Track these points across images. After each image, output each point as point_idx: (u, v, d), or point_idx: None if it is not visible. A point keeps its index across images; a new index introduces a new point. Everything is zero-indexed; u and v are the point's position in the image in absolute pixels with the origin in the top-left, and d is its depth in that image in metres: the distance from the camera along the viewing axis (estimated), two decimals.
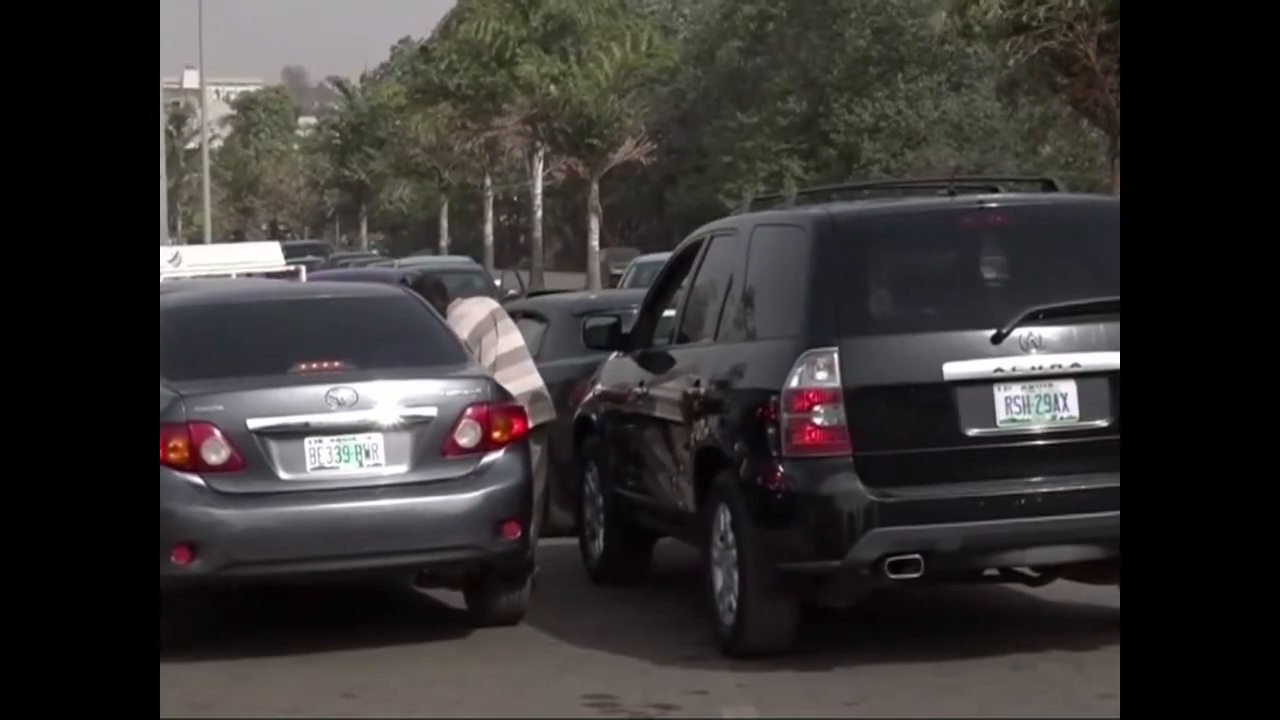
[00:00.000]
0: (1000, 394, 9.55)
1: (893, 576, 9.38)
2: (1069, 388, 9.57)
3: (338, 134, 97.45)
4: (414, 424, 10.64)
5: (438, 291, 12.97)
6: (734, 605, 10.03)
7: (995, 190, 11.22)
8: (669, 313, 12.30)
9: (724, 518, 10.13)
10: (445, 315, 12.46)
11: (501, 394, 11.02)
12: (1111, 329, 9.27)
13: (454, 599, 11.58)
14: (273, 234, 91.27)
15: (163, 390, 10.64)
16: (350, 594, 11.88)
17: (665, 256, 18.14)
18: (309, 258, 45.99)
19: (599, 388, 12.71)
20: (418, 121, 70.67)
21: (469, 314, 12.67)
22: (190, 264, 23.90)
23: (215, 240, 64.49)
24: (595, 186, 54.54)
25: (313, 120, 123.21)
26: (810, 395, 9.58)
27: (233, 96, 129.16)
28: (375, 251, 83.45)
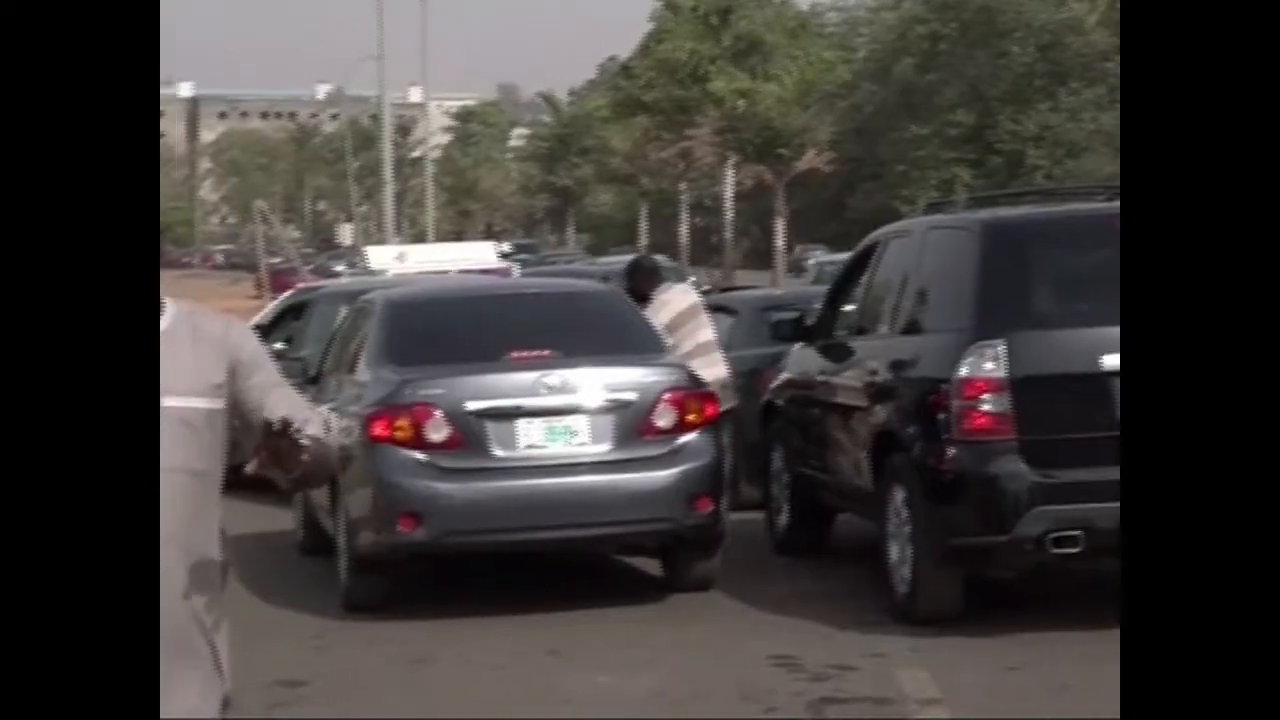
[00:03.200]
0: None
1: (1054, 551, 9.30)
2: None
3: (546, 144, 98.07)
4: (616, 407, 10.67)
5: (651, 273, 13.05)
6: (907, 576, 9.98)
7: None
8: (849, 307, 12.26)
9: (898, 495, 10.08)
10: (651, 297, 12.51)
11: (696, 381, 11.04)
12: None
13: (650, 567, 11.60)
14: (488, 235, 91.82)
15: (390, 375, 10.77)
16: (556, 561, 11.93)
17: (845, 256, 18.06)
18: (523, 255, 46.27)
19: (784, 375, 12.69)
20: (618, 132, 70.92)
21: (671, 302, 12.72)
22: (414, 261, 24.12)
23: (436, 240, 65.03)
24: (781, 192, 54.39)
25: (524, 131, 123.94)
26: (979, 384, 9.51)
27: (453, 110, 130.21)
28: (576, 250, 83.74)
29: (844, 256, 18.48)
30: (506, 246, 54.39)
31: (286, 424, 4.02)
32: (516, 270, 26.11)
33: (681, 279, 30.67)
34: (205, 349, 4.26)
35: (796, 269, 55.90)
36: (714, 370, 12.25)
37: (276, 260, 56.21)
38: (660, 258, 46.81)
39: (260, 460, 4.07)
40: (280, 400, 4.29)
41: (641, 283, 12.80)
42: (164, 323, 4.24)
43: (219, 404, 4.25)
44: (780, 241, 54.72)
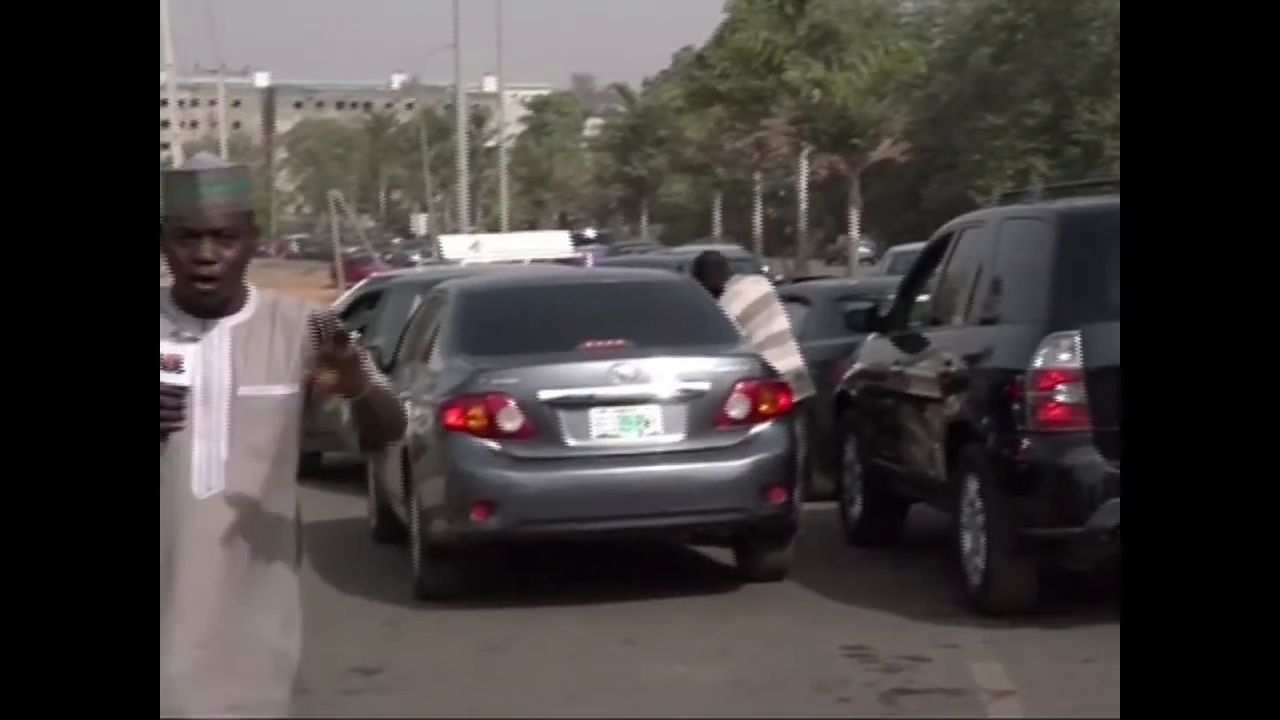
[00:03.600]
0: None
1: None
2: None
3: (621, 134, 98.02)
4: (689, 397, 10.67)
5: (719, 267, 13.06)
6: (981, 567, 9.94)
7: None
8: (923, 298, 12.22)
9: (972, 486, 10.04)
10: (722, 290, 12.51)
11: (769, 371, 11.03)
12: None
13: (723, 556, 11.59)
14: (562, 224, 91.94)
15: (463, 364, 10.80)
16: (629, 551, 11.94)
17: (919, 247, 17.99)
18: (595, 245, 46.31)
19: (858, 366, 12.66)
20: (692, 122, 70.82)
21: (743, 293, 12.71)
22: (488, 250, 24.17)
23: (510, 230, 65.17)
24: (855, 182, 54.25)
25: (598, 121, 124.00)
26: (1054, 375, 9.46)
27: (527, 100, 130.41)
28: (650, 241, 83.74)
29: (915, 248, 18.41)
30: (591, 233, 54.45)
31: (332, 322, 4.05)
32: (590, 260, 26.12)
33: (756, 270, 30.70)
34: (283, 333, 4.31)
35: (834, 258, 55.99)
36: (788, 360, 12.24)
37: (352, 250, 56.49)
38: (735, 248, 46.87)
39: (319, 375, 4.08)
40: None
41: (711, 276, 12.80)
42: (247, 312, 4.30)
43: (294, 388, 4.29)
44: (854, 232, 54.54)
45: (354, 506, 13.54)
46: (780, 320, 12.75)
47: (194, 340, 4.22)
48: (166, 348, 4.18)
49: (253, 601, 4.27)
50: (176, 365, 4.17)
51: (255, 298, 4.34)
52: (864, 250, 53.20)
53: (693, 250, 38.75)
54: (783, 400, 10.87)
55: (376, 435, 4.39)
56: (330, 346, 4.06)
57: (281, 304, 4.37)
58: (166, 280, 4.41)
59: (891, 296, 12.75)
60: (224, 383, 4.24)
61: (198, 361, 4.21)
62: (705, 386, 10.69)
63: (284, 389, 4.28)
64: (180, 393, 4.14)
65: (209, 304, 4.26)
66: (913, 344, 11.66)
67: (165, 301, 4.31)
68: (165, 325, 4.25)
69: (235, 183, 4.29)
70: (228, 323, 4.29)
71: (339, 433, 4.33)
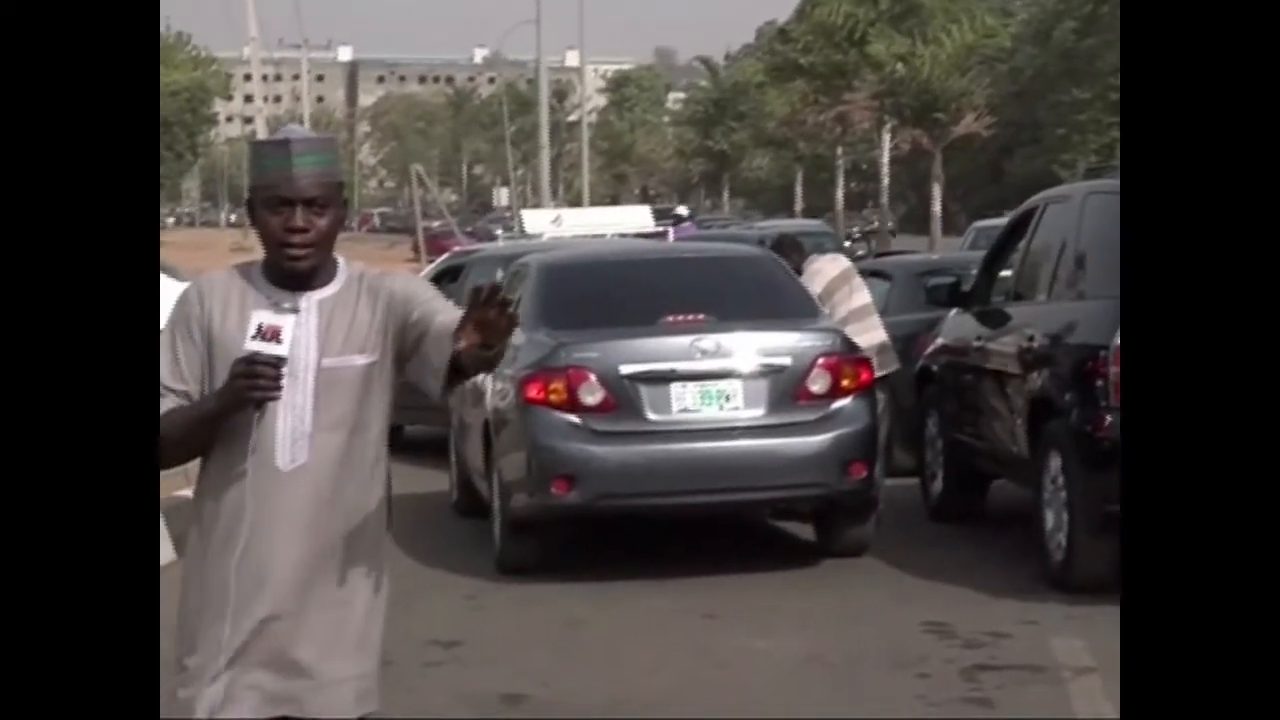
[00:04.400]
0: None
1: None
2: None
3: (703, 108, 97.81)
4: (770, 372, 10.65)
5: (795, 248, 13.02)
6: (1063, 543, 9.89)
7: None
8: (1005, 273, 12.16)
9: (1054, 462, 9.99)
10: (801, 271, 12.48)
11: (850, 346, 11.00)
12: None
13: (804, 532, 11.58)
14: (643, 199, 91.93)
15: (544, 338, 10.81)
16: (709, 525, 11.94)
17: (1002, 221, 17.91)
18: (687, 222, 46.25)
19: (940, 341, 12.62)
20: (775, 97, 70.65)
21: (822, 271, 12.68)
22: (570, 225, 24.19)
23: (592, 204, 65.21)
24: (938, 156, 54.00)
25: (681, 95, 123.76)
26: None
27: (609, 74, 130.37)
28: (732, 215, 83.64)
29: (998, 222, 18.32)
30: (683, 209, 54.25)
31: (496, 288, 4.04)
32: (671, 234, 26.10)
33: (837, 245, 30.68)
34: (368, 303, 4.33)
35: (865, 237, 55.99)
36: (870, 335, 12.20)
37: (438, 224, 56.64)
38: (817, 222, 46.71)
39: (466, 335, 4.06)
40: (454, 313, 4.32)
41: (790, 256, 12.76)
42: (335, 285, 4.33)
43: (375, 357, 4.31)
44: (937, 207, 54.30)
45: (436, 480, 13.59)
46: (862, 295, 12.71)
47: (294, 311, 4.24)
48: (266, 318, 4.18)
49: (335, 574, 4.29)
50: (275, 336, 4.17)
51: (344, 270, 4.37)
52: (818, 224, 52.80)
53: (776, 224, 38.75)
54: (864, 375, 10.84)
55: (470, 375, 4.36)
56: (492, 312, 4.02)
57: (367, 275, 4.39)
58: (257, 254, 4.44)
59: (974, 271, 12.70)
60: (310, 356, 4.26)
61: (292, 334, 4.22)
62: (786, 361, 10.67)
63: (364, 358, 4.30)
64: (278, 363, 4.16)
65: (298, 273, 4.28)
66: (995, 319, 11.61)
67: (255, 276, 4.34)
68: (259, 298, 4.28)
69: (326, 153, 4.31)
70: (315, 296, 4.31)
71: (425, 383, 4.32)
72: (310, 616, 4.25)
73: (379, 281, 4.37)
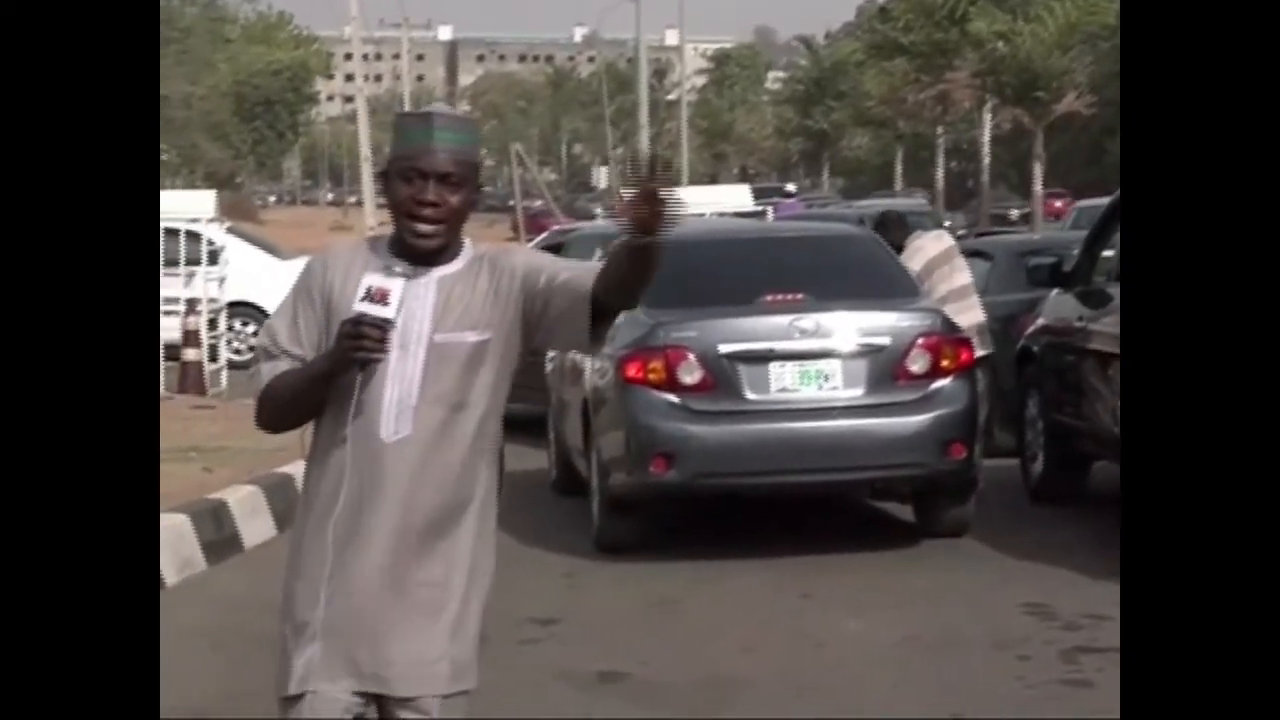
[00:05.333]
0: None
1: None
2: None
3: (802, 87, 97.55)
4: (869, 351, 10.62)
5: (898, 224, 12.98)
6: None
7: None
8: (1108, 253, 12.07)
9: None
10: (903, 247, 12.43)
11: (950, 326, 10.95)
12: None
13: (903, 512, 11.54)
14: (742, 178, 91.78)
15: (643, 317, 10.80)
16: (807, 505, 11.92)
17: (1104, 201, 17.77)
18: (792, 200, 46.15)
19: (1041, 321, 12.53)
20: (875, 75, 70.33)
21: (924, 249, 12.63)
22: None
23: (691, 183, 65.16)
24: (1039, 136, 53.60)
25: (780, 74, 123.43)
26: None
27: (709, 53, 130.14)
28: (831, 194, 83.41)
29: (1101, 202, 18.17)
30: (791, 186, 54.04)
31: (668, 163, 4.08)
32: (771, 214, 25.98)
33: (938, 223, 30.48)
34: (488, 281, 4.34)
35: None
36: (970, 315, 12.14)
37: (539, 204, 56.73)
38: (918, 200, 46.51)
39: (625, 212, 4.09)
40: (571, 267, 4.36)
41: (892, 233, 12.72)
42: (458, 264, 4.34)
43: (488, 336, 4.31)
44: (1038, 186, 53.89)
45: (535, 458, 13.64)
46: (963, 275, 12.65)
47: (404, 276, 4.25)
48: (375, 280, 4.20)
49: (432, 550, 4.30)
50: (383, 298, 4.18)
51: (468, 250, 4.38)
52: (921, 202, 51.88)
53: (875, 203, 38.60)
54: (964, 355, 10.79)
55: (634, 290, 4.34)
56: (656, 181, 4.01)
57: (490, 254, 4.40)
58: (385, 229, 4.45)
59: (1075, 251, 12.61)
60: (424, 330, 4.27)
61: (403, 300, 4.23)
62: (886, 341, 10.63)
63: (476, 335, 4.30)
64: (384, 324, 4.18)
65: (424, 249, 4.28)
66: (1097, 299, 11.52)
67: (380, 248, 4.35)
68: (375, 263, 4.29)
69: (467, 132, 4.35)
70: (437, 272, 4.32)
71: (569, 336, 4.32)
72: (405, 592, 4.26)
73: (501, 259, 4.38)
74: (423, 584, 4.28)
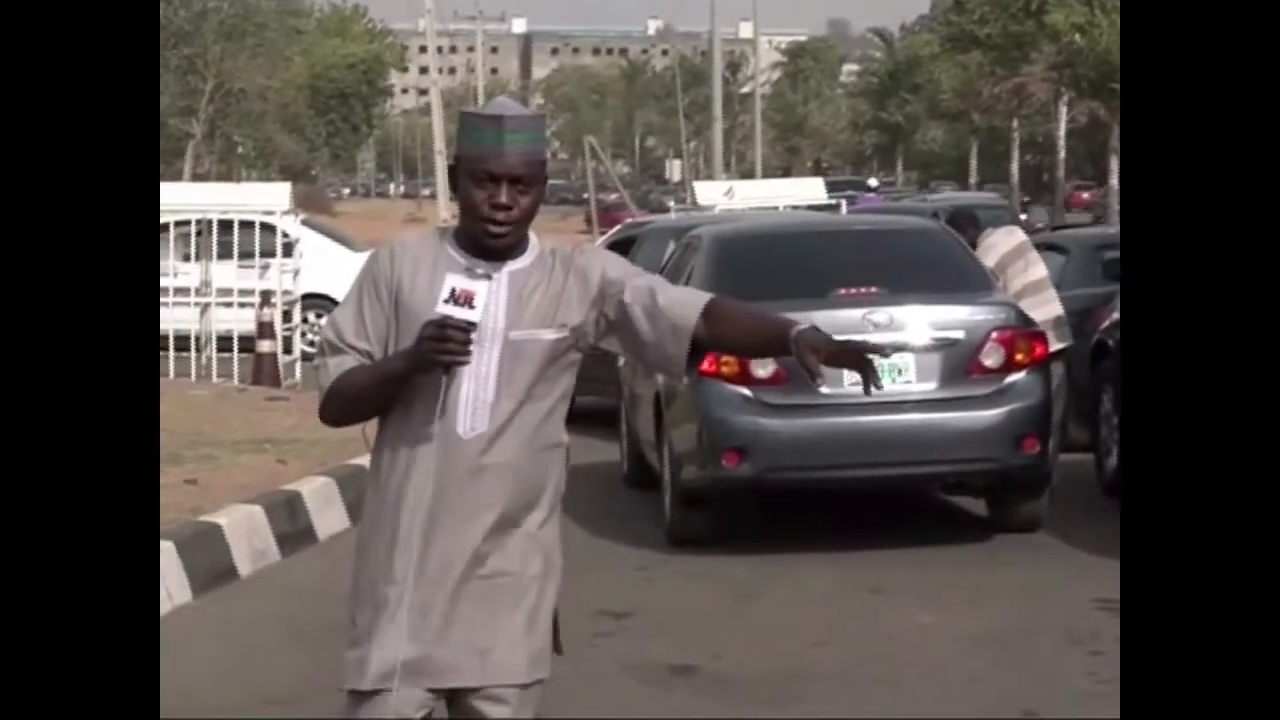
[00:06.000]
0: None
1: None
2: None
3: (877, 80, 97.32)
4: (943, 345, 10.59)
5: (971, 222, 12.94)
6: None
7: None
8: None
9: None
10: (976, 245, 12.39)
11: (1025, 320, 10.91)
12: None
13: (976, 506, 11.51)
14: (816, 171, 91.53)
15: None
16: (879, 499, 11.90)
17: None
18: (850, 192, 46.02)
19: (1116, 315, 12.47)
20: (949, 68, 70.09)
21: (997, 245, 12.58)
22: (742, 197, 24.09)
23: (764, 176, 65.08)
24: (1116, 129, 53.32)
25: (854, 67, 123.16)
26: None
27: (783, 46, 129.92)
28: (905, 187, 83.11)
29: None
30: (873, 180, 53.81)
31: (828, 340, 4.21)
32: (844, 208, 25.93)
33: (1014, 218, 30.40)
34: (560, 278, 4.35)
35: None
36: (1047, 309, 12.09)
37: (614, 197, 56.75)
38: (993, 195, 46.30)
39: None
40: (660, 286, 4.38)
41: (965, 230, 12.69)
42: (527, 259, 4.35)
43: (563, 334, 4.34)
44: (1115, 180, 53.65)
45: (607, 451, 13.66)
46: (1038, 269, 12.59)
47: (487, 278, 4.27)
48: (459, 282, 4.20)
49: (511, 541, 4.32)
50: (468, 300, 4.18)
51: (534, 244, 4.39)
52: (993, 197, 51.04)
53: (949, 197, 38.46)
54: (1039, 349, 10.75)
55: (746, 355, 4.42)
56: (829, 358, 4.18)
57: (559, 251, 4.41)
58: (445, 221, 4.47)
59: None
60: (498, 326, 4.28)
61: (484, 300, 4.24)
62: (959, 335, 10.61)
63: (552, 333, 4.32)
64: (469, 328, 4.19)
65: (498, 248, 4.30)
66: None
67: (449, 242, 4.36)
68: (452, 263, 4.30)
69: (537, 131, 4.33)
70: (508, 268, 4.33)
71: (665, 365, 4.39)
72: (484, 583, 4.29)
73: (576, 259, 4.38)
74: (500, 574, 4.30)
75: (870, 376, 4.20)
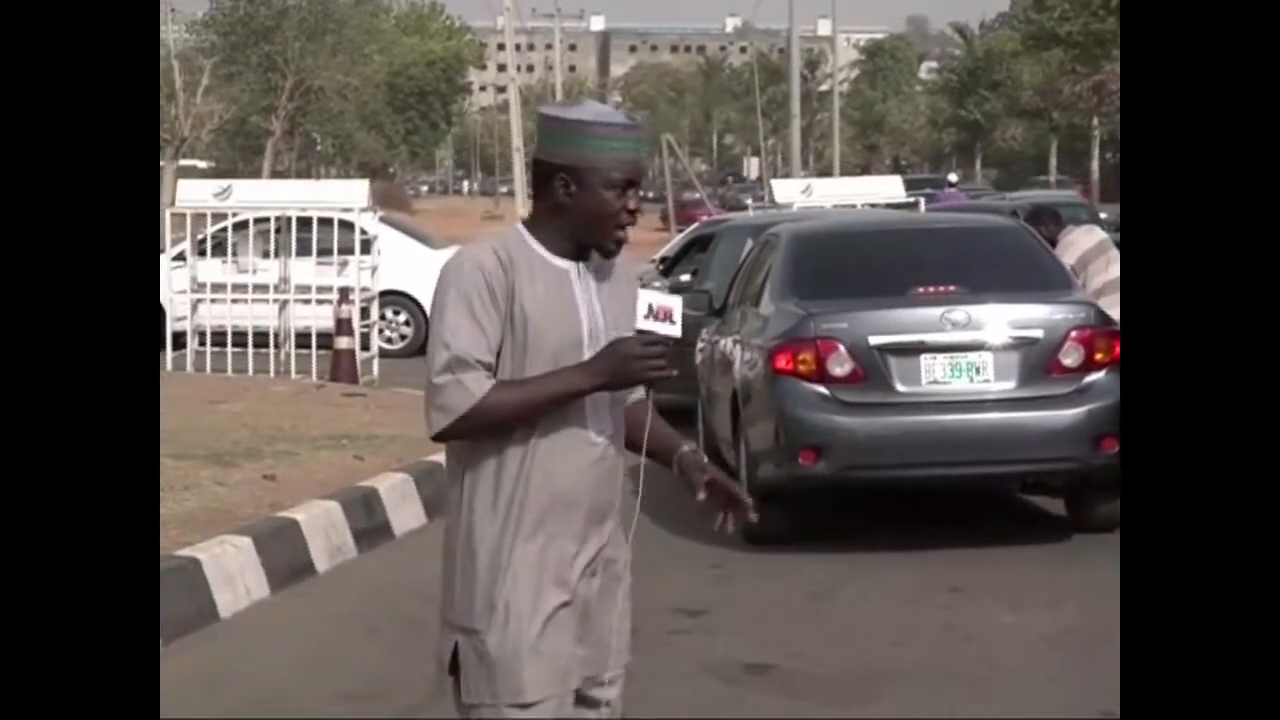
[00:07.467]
0: None
1: None
2: None
3: (956, 77, 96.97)
4: (1021, 344, 10.55)
5: (1052, 219, 12.90)
6: None
7: None
8: None
9: None
10: (1056, 242, 12.34)
11: (1104, 319, 10.85)
12: None
13: (1055, 506, 11.46)
14: (894, 169, 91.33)
15: (794, 308, 10.81)
16: (958, 498, 11.86)
17: None
18: (927, 190, 45.86)
19: None
20: (1029, 65, 69.82)
21: (1076, 243, 12.53)
22: (820, 195, 24.05)
23: (843, 174, 64.99)
24: None
25: (933, 64, 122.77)
26: None
27: (861, 43, 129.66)
28: (984, 185, 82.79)
29: None
30: (953, 176, 53.63)
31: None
32: (923, 206, 25.84)
33: (1094, 217, 30.22)
34: (624, 285, 4.40)
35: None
36: None
37: (695, 196, 56.78)
38: (1069, 194, 45.99)
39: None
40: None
41: (1045, 228, 12.65)
42: (594, 262, 4.36)
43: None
44: None
45: None
46: (1118, 267, 12.54)
47: (678, 292, 4.33)
48: (655, 298, 4.22)
49: (611, 530, 4.42)
50: (668, 316, 4.20)
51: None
52: (1072, 195, 50.73)
53: (1028, 195, 38.25)
54: (1118, 348, 10.69)
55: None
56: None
57: (624, 266, 4.48)
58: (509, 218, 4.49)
59: None
60: (600, 327, 4.32)
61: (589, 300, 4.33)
62: (1038, 334, 10.56)
63: (631, 332, 4.35)
64: (669, 343, 4.21)
65: (613, 252, 4.33)
66: None
67: (535, 244, 4.31)
68: (551, 265, 4.28)
69: (645, 138, 4.42)
70: (586, 267, 4.35)
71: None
72: (602, 573, 4.36)
73: (624, 272, 4.46)
74: (610, 562, 4.39)
75: (737, 516, 4.66)
